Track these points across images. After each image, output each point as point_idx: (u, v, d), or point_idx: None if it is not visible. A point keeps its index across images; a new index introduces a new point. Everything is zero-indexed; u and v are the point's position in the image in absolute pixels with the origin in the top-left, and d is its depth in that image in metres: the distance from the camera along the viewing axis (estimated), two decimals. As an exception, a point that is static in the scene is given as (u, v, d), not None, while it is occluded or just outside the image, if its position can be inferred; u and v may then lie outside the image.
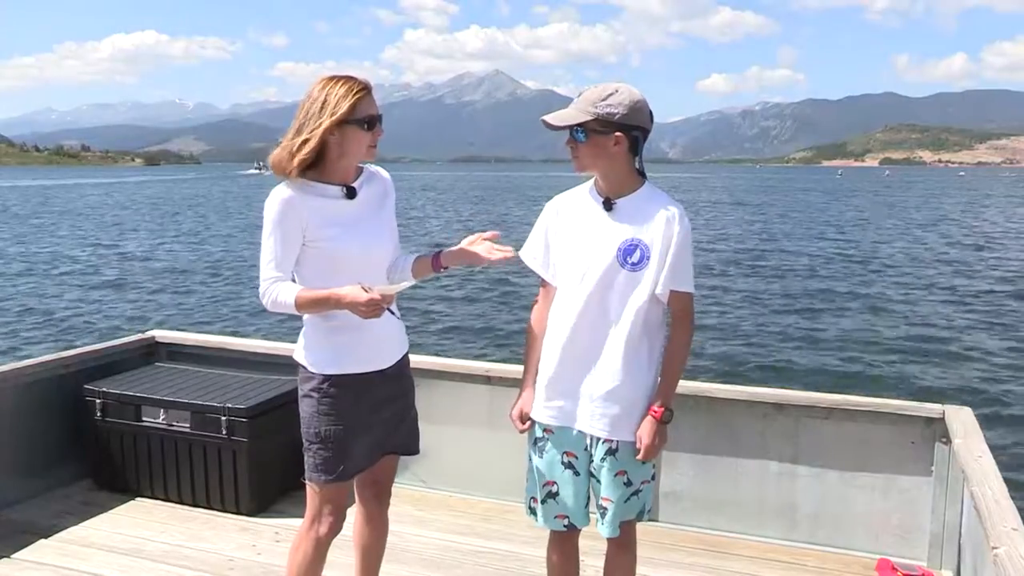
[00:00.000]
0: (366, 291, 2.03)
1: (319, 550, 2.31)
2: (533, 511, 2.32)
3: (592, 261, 2.15)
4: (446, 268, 2.32)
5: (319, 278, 2.17)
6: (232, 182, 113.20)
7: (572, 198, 2.27)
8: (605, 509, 2.23)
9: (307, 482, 2.31)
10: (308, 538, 2.31)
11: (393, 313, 2.07)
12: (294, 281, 2.20)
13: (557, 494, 2.25)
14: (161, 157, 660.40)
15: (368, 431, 2.30)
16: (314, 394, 2.25)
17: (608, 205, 2.16)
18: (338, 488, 2.29)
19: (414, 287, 2.18)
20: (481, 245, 2.25)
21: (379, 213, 2.32)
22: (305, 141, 2.12)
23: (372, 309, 2.04)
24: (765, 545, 3.33)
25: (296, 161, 2.12)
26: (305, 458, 2.29)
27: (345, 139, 2.15)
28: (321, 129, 2.11)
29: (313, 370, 2.25)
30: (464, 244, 2.28)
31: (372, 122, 2.17)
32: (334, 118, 2.11)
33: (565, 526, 2.28)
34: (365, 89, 2.16)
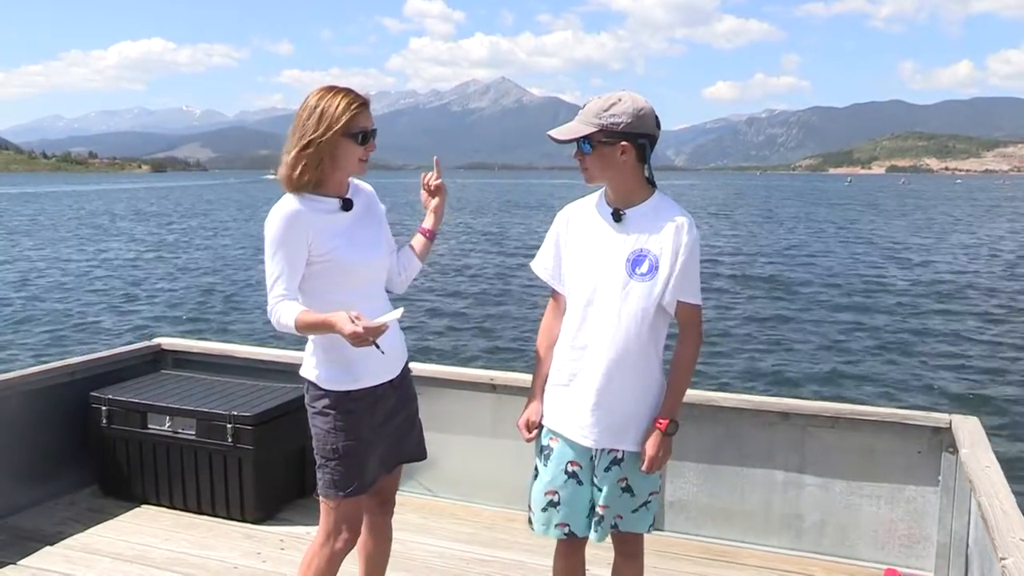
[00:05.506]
0: (353, 322, 1.98)
1: (332, 565, 2.30)
2: (531, 520, 2.31)
3: (601, 272, 2.15)
4: (435, 231, 2.55)
5: (325, 289, 2.18)
6: (246, 188, 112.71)
7: (582, 208, 2.27)
8: (601, 517, 2.22)
9: (322, 498, 2.28)
10: (322, 554, 2.28)
11: (378, 347, 2.04)
12: (300, 295, 2.18)
13: (558, 503, 2.24)
14: (168, 164, 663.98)
15: (382, 442, 2.30)
16: (330, 411, 2.22)
17: (617, 216, 2.15)
18: (355, 503, 2.28)
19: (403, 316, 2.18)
20: (437, 196, 2.50)
21: (372, 223, 2.33)
22: (307, 159, 2.11)
23: (357, 341, 2.00)
24: (771, 555, 3.31)
25: (306, 179, 2.13)
26: (319, 474, 2.26)
27: (339, 152, 2.15)
28: (321, 143, 2.11)
29: (326, 387, 2.23)
30: (429, 205, 2.52)
31: (366, 136, 2.18)
32: (332, 132, 2.10)
33: (565, 534, 2.27)
34: (362, 103, 2.16)
